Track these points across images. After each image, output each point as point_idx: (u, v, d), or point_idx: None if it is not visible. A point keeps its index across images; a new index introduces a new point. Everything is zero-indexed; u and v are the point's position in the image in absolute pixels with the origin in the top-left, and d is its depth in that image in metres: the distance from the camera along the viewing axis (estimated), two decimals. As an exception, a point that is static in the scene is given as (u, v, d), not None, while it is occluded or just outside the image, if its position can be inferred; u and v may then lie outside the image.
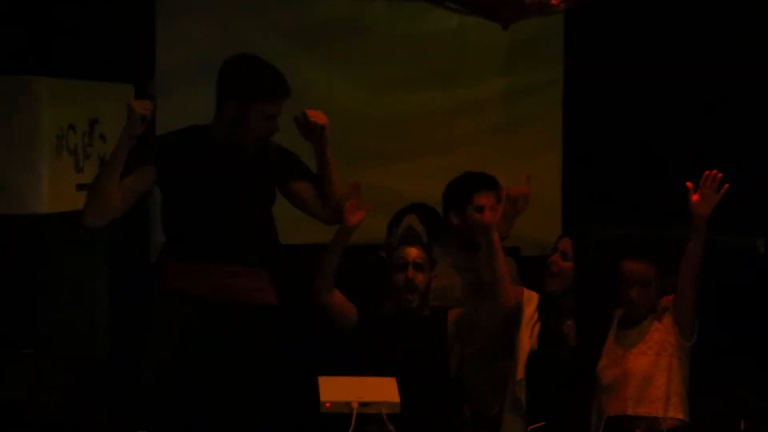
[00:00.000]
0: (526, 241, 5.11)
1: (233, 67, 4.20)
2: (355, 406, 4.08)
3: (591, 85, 5.67)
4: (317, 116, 4.26)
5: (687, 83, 5.60)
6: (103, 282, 5.24)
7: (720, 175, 4.32)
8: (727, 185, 4.31)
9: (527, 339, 4.73)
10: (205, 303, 4.14)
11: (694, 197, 4.35)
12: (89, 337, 5.15)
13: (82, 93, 4.91)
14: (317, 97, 5.67)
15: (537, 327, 4.74)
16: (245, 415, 4.14)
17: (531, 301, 4.77)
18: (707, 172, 4.31)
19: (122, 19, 5.24)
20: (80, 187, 4.86)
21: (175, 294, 4.16)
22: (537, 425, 4.41)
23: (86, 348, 5.08)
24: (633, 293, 4.56)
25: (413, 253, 4.63)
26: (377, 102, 5.76)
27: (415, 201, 5.56)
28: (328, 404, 4.12)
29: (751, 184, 5.20)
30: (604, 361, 4.65)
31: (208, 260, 4.16)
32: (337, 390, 4.15)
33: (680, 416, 4.52)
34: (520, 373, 4.72)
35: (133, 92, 5.15)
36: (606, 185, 5.55)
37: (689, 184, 4.32)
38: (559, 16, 5.54)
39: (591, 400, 4.63)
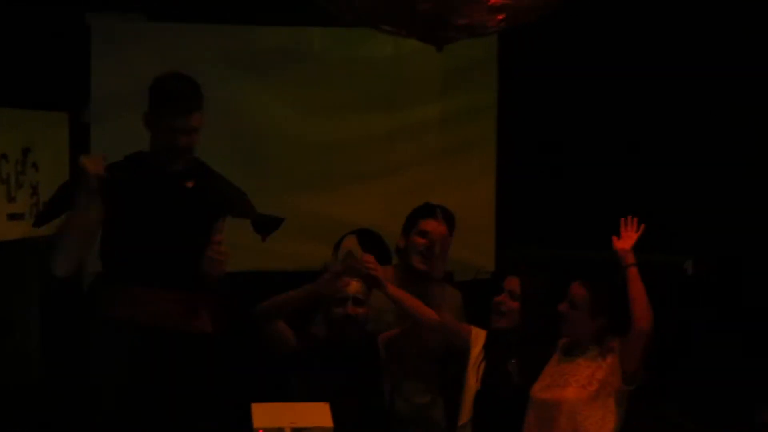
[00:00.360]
0: (460, 265, 5.14)
1: (153, 82, 4.23)
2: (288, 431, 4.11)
3: (524, 109, 5.73)
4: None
5: (618, 108, 5.68)
6: (34, 310, 5.20)
7: (636, 219, 4.51)
8: (643, 225, 4.50)
9: (473, 379, 4.73)
10: (141, 329, 4.13)
11: (615, 240, 4.54)
12: (21, 365, 5.11)
13: (15, 121, 4.88)
14: (257, 123, 5.72)
15: (482, 366, 4.77)
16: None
17: (478, 340, 4.77)
18: (623, 218, 4.52)
19: (56, 46, 5.23)
20: (11, 216, 4.84)
21: (112, 320, 4.15)
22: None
23: (18, 376, 5.04)
24: (561, 306, 4.61)
25: (354, 287, 4.66)
26: (316, 127, 5.75)
27: (354, 226, 5.58)
28: (261, 431, 4.13)
29: (678, 205, 5.28)
30: (540, 383, 4.66)
31: (146, 287, 4.15)
32: (270, 416, 4.16)
33: None
34: (465, 416, 4.71)
35: (67, 120, 5.13)
36: (539, 209, 5.60)
37: (614, 237, 4.51)
38: (492, 41, 5.60)
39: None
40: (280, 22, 5.71)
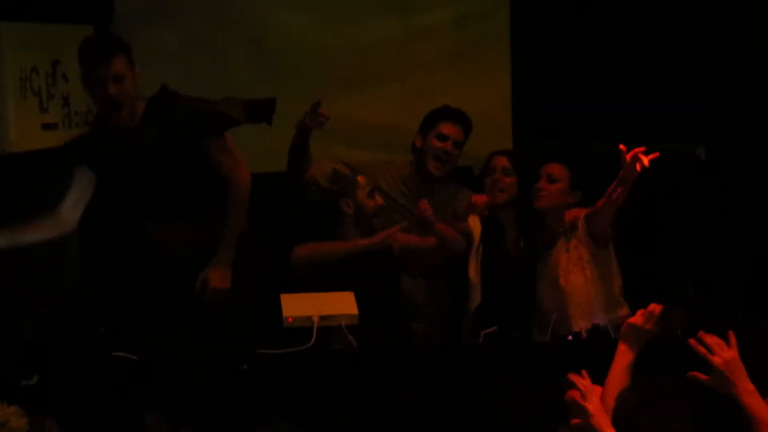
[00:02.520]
0: (479, 160, 5.30)
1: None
2: (315, 319, 4.33)
3: (537, 9, 5.80)
4: None
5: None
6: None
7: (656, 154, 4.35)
8: (657, 153, 4.34)
9: (474, 267, 4.96)
10: None
11: (628, 157, 4.37)
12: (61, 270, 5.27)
13: (43, 36, 4.98)
14: (276, 32, 5.83)
15: (481, 250, 4.96)
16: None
17: (476, 227, 4.98)
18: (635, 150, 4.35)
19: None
20: (45, 126, 5.01)
21: None
22: (489, 330, 4.61)
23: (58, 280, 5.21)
24: (539, 183, 4.83)
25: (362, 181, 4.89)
26: (334, 33, 5.85)
27: (374, 127, 5.75)
28: (290, 319, 4.36)
29: (690, 92, 5.34)
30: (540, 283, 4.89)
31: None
32: (298, 305, 4.39)
33: (624, 312, 4.74)
34: (473, 303, 4.94)
35: (93, 33, 5.24)
36: (553, 103, 5.69)
37: (622, 147, 4.38)
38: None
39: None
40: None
